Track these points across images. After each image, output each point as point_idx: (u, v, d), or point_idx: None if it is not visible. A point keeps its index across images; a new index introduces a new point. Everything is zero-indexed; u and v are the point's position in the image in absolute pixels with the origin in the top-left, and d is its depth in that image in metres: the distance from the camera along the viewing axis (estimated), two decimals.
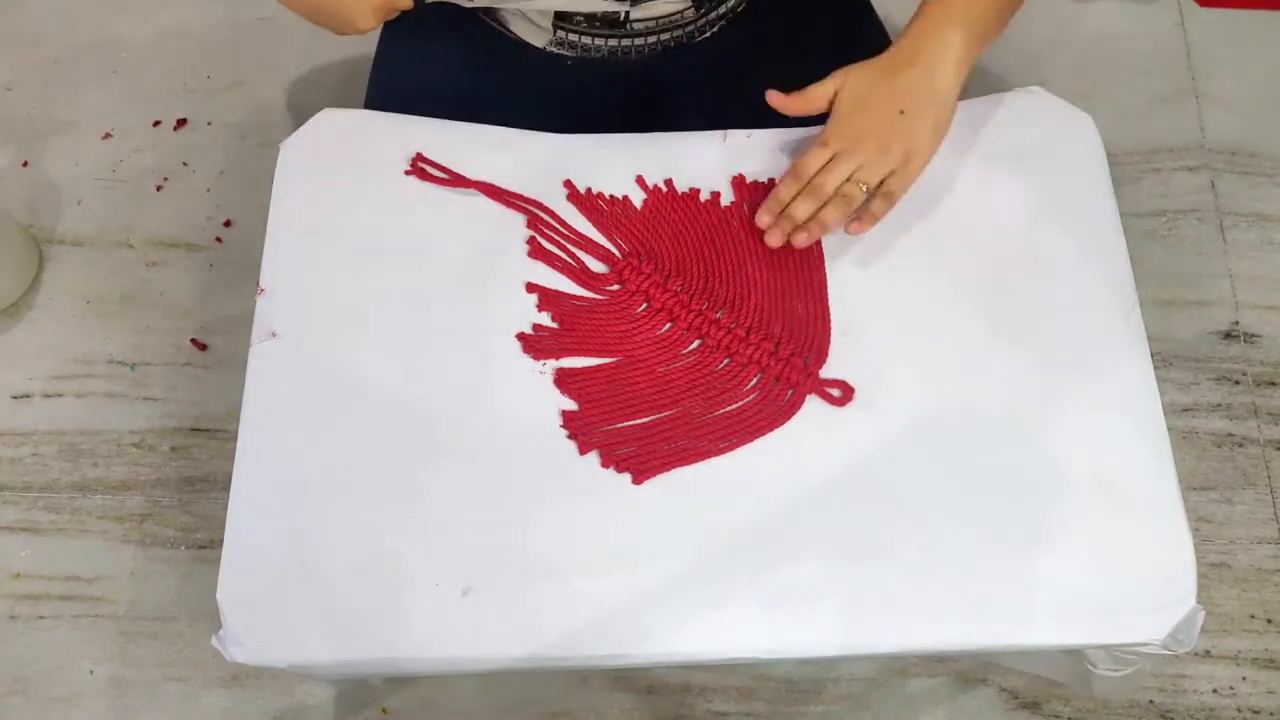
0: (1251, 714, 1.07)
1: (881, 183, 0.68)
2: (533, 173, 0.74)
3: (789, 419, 0.66)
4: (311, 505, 0.64)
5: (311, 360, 0.68)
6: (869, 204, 0.68)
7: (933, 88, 0.67)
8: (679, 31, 0.79)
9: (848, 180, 0.68)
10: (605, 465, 0.65)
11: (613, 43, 0.80)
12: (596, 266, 0.72)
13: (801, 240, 0.67)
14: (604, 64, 0.81)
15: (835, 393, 0.67)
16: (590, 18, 0.77)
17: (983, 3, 0.68)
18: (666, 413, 0.67)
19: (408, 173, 0.74)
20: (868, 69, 0.68)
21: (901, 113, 0.66)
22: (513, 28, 0.80)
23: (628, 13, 0.76)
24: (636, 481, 0.64)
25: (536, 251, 0.71)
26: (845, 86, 0.69)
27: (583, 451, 0.65)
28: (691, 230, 0.73)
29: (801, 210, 0.68)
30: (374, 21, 0.68)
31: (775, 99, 0.69)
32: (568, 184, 0.74)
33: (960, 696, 1.07)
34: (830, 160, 0.68)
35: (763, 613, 0.61)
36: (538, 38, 0.80)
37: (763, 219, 0.69)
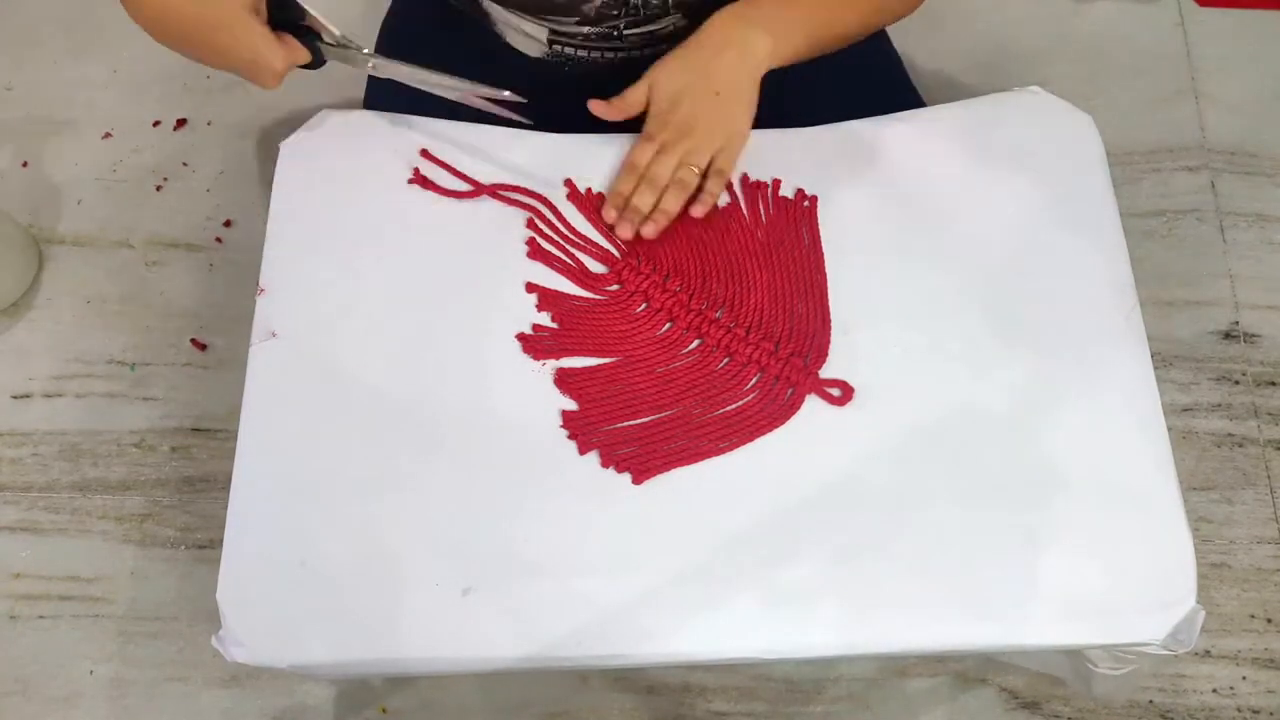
0: (1251, 714, 1.07)
1: (710, 162, 0.71)
2: (532, 172, 0.74)
3: (789, 418, 0.66)
4: (311, 505, 0.64)
5: (311, 360, 0.68)
6: (705, 185, 0.71)
7: (744, 69, 0.70)
8: (673, 44, 0.80)
9: (679, 166, 0.70)
10: (605, 465, 0.65)
11: (609, 55, 0.80)
12: (596, 267, 0.72)
13: (650, 231, 0.70)
14: (600, 72, 0.81)
15: (835, 392, 0.67)
16: (583, 33, 0.77)
17: (789, 20, 0.71)
18: (666, 412, 0.67)
19: (410, 181, 0.74)
20: (677, 60, 0.71)
21: (717, 94, 0.70)
22: (508, 39, 0.80)
23: (619, 28, 0.76)
24: (637, 481, 0.64)
25: (535, 252, 0.71)
26: (658, 81, 0.71)
27: (583, 451, 0.65)
28: (690, 230, 0.73)
29: (643, 201, 0.71)
30: (276, 84, 0.67)
31: (596, 107, 0.72)
32: (568, 183, 0.74)
33: (960, 696, 1.07)
34: (659, 152, 0.71)
35: (763, 613, 0.61)
36: (532, 49, 0.80)
37: (609, 214, 0.72)
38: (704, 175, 0.71)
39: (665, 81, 0.71)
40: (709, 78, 0.70)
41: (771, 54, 0.70)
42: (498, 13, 0.78)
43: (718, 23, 0.71)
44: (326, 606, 0.62)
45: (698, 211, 0.70)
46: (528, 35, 0.79)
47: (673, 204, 0.70)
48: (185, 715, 1.07)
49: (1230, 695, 1.07)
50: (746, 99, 0.70)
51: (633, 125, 0.78)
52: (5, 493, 1.17)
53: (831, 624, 0.61)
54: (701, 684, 1.08)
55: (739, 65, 0.70)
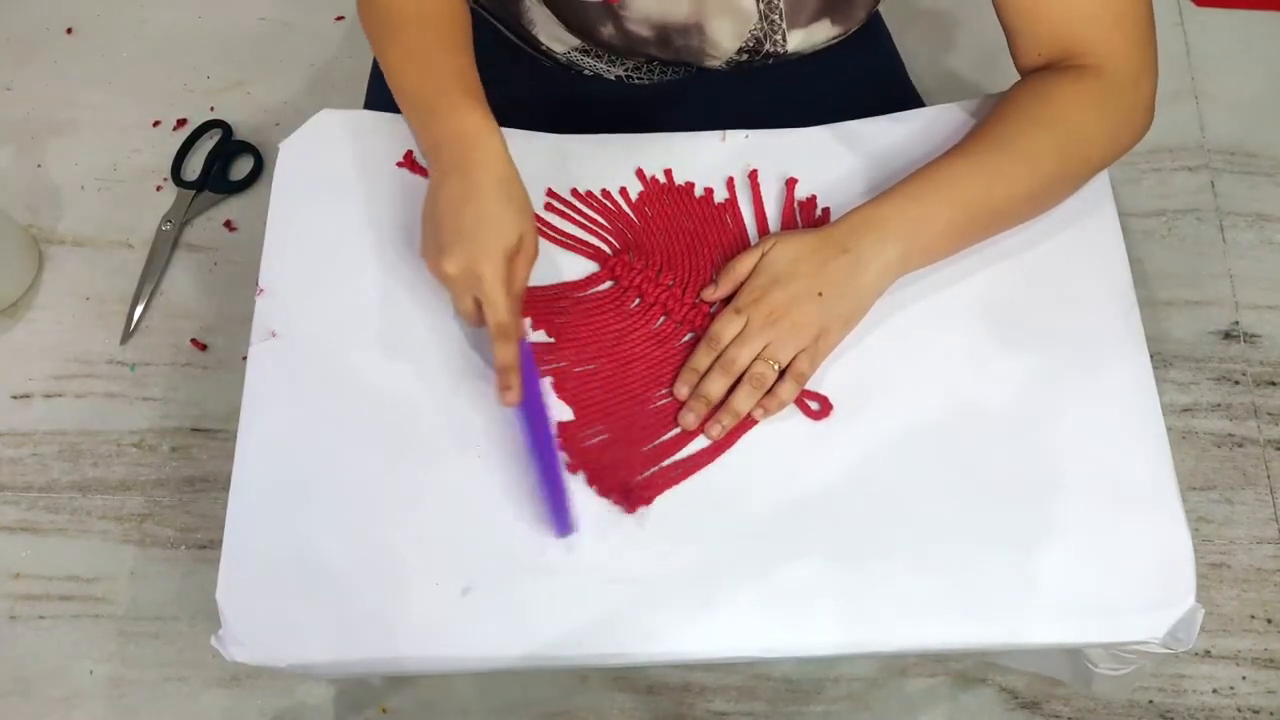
0: (1251, 714, 1.07)
1: (791, 362, 0.66)
2: (530, 172, 0.74)
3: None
4: (311, 505, 0.64)
5: (311, 360, 0.68)
6: (778, 386, 0.66)
7: (855, 279, 0.66)
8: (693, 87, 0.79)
9: (758, 358, 0.66)
10: (602, 495, 0.64)
11: (634, 76, 0.80)
12: (588, 266, 0.72)
13: (716, 433, 0.66)
14: (621, 88, 0.81)
15: (814, 405, 0.67)
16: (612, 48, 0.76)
17: (931, 229, 0.66)
18: (667, 435, 0.66)
19: (399, 164, 0.74)
20: (796, 243, 0.67)
21: (820, 294, 0.66)
22: (537, 30, 0.79)
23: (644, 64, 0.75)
24: (630, 510, 0.64)
25: None
26: (770, 255, 0.68)
27: (573, 470, 0.65)
28: (683, 224, 0.73)
29: (715, 387, 0.66)
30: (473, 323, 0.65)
31: (709, 294, 0.69)
32: (550, 192, 0.74)
33: (960, 696, 1.07)
34: (744, 329, 0.66)
35: (762, 612, 0.61)
36: (558, 46, 0.80)
37: (681, 390, 0.67)
38: (781, 374, 0.66)
39: (776, 257, 0.67)
40: (817, 275, 0.66)
41: (902, 260, 0.66)
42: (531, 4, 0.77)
43: (848, 223, 0.67)
44: (326, 606, 0.62)
45: (760, 415, 0.66)
46: (554, 36, 0.78)
47: (743, 403, 0.65)
48: (185, 715, 1.08)
49: (1230, 695, 1.07)
50: (848, 307, 0.66)
51: (635, 128, 0.78)
52: (5, 493, 1.17)
53: (831, 623, 0.61)
54: (701, 684, 1.08)
55: (851, 273, 0.66)
